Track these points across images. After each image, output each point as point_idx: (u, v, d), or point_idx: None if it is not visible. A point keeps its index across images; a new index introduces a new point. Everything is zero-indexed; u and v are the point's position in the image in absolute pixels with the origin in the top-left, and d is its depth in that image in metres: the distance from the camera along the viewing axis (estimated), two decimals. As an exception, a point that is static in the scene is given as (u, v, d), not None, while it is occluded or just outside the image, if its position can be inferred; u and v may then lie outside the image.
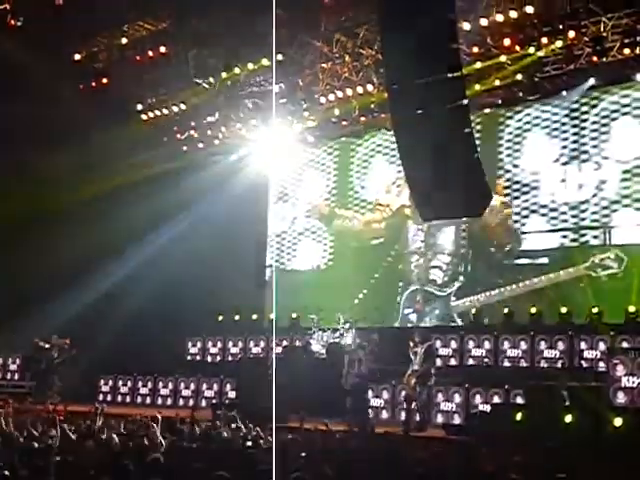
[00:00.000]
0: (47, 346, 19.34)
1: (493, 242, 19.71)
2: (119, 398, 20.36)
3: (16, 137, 20.19)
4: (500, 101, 19.49)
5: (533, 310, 17.74)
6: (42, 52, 18.97)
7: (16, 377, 21.22)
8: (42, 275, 19.92)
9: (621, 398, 13.46)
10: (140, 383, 20.27)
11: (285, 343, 19.10)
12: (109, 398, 20.21)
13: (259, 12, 16.27)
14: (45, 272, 19.94)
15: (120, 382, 20.55)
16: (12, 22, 18.34)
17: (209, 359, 21.39)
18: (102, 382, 20.69)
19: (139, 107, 21.72)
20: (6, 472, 6.87)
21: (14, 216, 19.60)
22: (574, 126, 18.86)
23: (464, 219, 19.09)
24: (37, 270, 19.95)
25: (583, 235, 18.59)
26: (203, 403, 18.69)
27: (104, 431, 10.19)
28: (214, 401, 18.16)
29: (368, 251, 21.80)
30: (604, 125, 18.46)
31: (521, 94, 18.71)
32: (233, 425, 11.43)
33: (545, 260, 18.92)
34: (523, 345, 16.82)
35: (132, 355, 20.44)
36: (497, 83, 18.20)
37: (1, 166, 20.10)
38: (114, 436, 9.62)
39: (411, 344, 15.20)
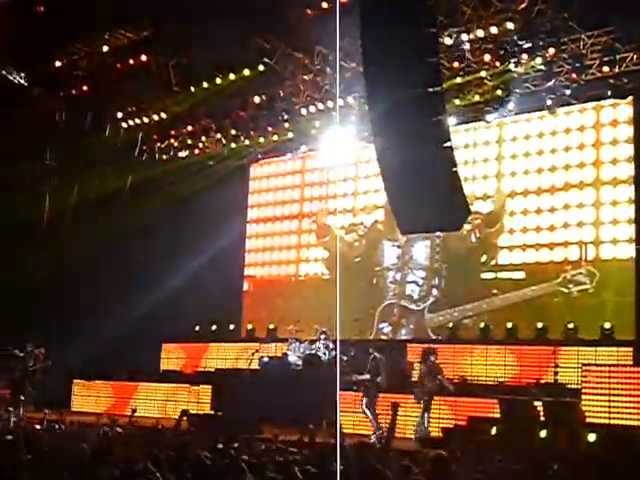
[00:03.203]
0: (21, 354, 19.17)
1: (468, 256, 19.80)
2: (94, 405, 20.34)
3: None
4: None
5: (509, 325, 17.82)
6: (22, 59, 18.90)
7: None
8: (20, 284, 19.86)
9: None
10: (116, 389, 20.28)
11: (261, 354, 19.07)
12: (84, 405, 20.23)
13: (241, 22, 16.29)
14: (23, 281, 19.88)
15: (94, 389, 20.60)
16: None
17: (185, 368, 21.36)
18: (76, 388, 20.71)
19: (119, 115, 21.66)
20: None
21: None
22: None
23: (440, 233, 19.25)
24: (16, 278, 19.88)
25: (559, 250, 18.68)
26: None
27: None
28: (190, 411, 18.09)
29: (348, 266, 21.81)
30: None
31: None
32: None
33: (521, 275, 18.99)
34: (498, 359, 16.97)
35: (108, 362, 20.36)
36: (477, 98, 18.30)
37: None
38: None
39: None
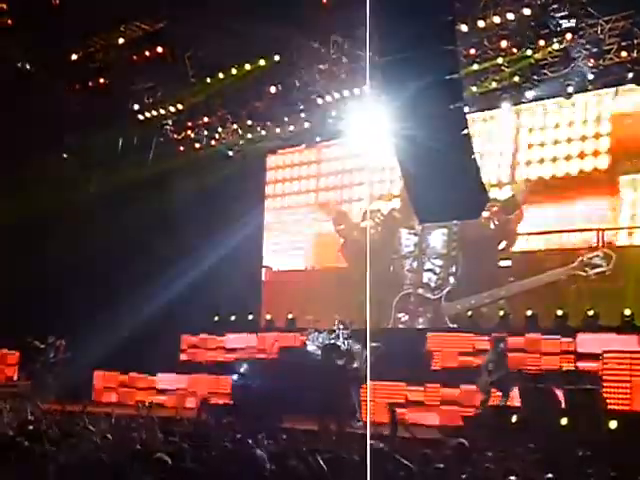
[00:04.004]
0: (42, 346, 19.30)
1: (486, 243, 19.71)
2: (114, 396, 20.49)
3: (13, 137, 20.18)
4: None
5: (529, 312, 17.73)
6: (39, 52, 18.96)
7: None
8: (40, 274, 20.01)
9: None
10: (135, 380, 20.45)
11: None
12: (104, 396, 20.38)
13: (256, 13, 16.26)
14: (43, 272, 20.02)
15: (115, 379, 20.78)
16: (8, 22, 18.29)
17: (205, 358, 21.43)
18: (97, 380, 20.87)
19: (136, 107, 21.70)
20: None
21: (13, 217, 19.61)
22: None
23: (457, 222, 19.23)
24: (36, 269, 20.03)
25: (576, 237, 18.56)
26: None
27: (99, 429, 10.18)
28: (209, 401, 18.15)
29: (364, 255, 21.74)
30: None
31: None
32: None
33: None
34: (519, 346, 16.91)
35: (127, 353, 20.44)
36: (494, 85, 18.22)
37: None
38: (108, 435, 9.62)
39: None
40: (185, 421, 12.82)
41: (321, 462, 7.51)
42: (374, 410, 16.44)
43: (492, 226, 19.55)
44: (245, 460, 7.40)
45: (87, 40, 19.61)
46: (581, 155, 18.60)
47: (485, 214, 18.87)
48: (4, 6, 17.78)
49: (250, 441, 8.90)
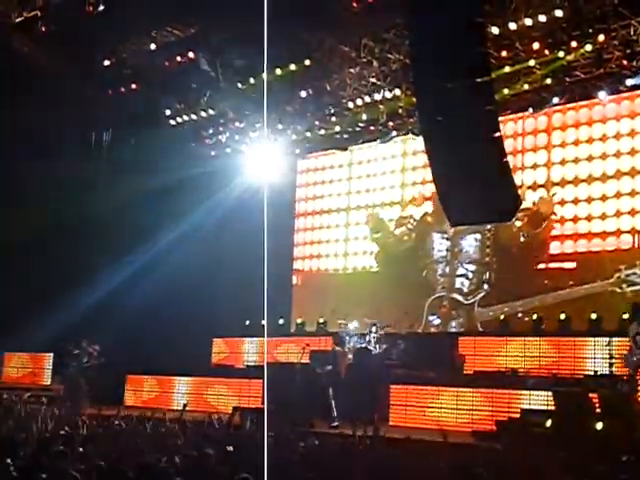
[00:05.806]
0: (76, 351, 19.43)
1: (519, 249, 19.57)
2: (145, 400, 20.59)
3: (45, 141, 20.38)
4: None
5: (562, 316, 17.60)
6: (71, 58, 19.13)
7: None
8: (68, 276, 20.16)
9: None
10: (167, 384, 20.52)
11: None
12: (136, 400, 20.49)
13: (288, 17, 16.29)
14: (71, 273, 20.18)
15: (146, 384, 20.85)
16: (42, 28, 18.47)
17: (236, 363, 21.47)
18: (129, 384, 20.96)
19: (167, 112, 21.83)
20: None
21: (43, 219, 19.77)
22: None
23: (490, 226, 19.20)
24: (61, 272, 20.18)
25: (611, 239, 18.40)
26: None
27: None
28: (241, 406, 18.18)
29: (398, 260, 21.73)
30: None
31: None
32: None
33: (573, 265, 18.76)
34: (552, 351, 16.78)
35: (160, 356, 20.52)
36: (526, 87, 18.12)
37: (33, 169, 20.31)
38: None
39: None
40: (217, 424, 12.85)
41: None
42: (406, 414, 16.46)
43: (522, 239, 19.43)
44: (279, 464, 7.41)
45: (119, 46, 19.76)
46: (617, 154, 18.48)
47: (518, 223, 18.81)
48: (38, 13, 17.95)
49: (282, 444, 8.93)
